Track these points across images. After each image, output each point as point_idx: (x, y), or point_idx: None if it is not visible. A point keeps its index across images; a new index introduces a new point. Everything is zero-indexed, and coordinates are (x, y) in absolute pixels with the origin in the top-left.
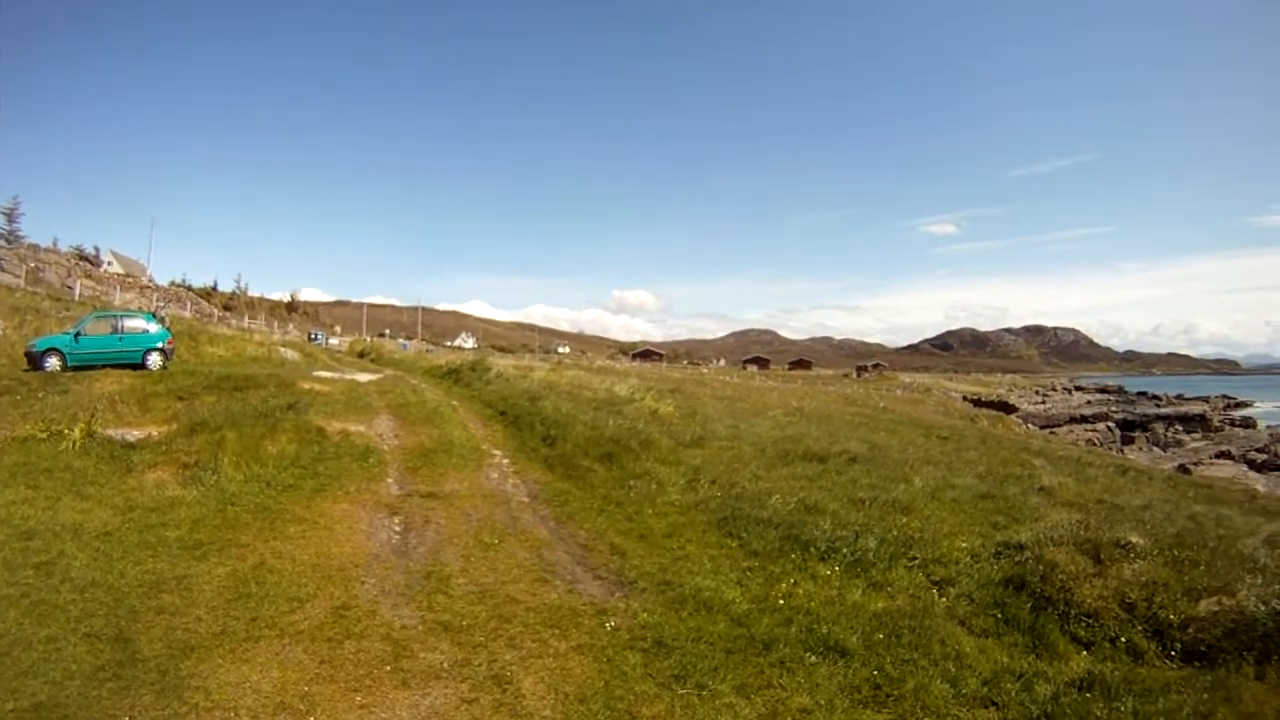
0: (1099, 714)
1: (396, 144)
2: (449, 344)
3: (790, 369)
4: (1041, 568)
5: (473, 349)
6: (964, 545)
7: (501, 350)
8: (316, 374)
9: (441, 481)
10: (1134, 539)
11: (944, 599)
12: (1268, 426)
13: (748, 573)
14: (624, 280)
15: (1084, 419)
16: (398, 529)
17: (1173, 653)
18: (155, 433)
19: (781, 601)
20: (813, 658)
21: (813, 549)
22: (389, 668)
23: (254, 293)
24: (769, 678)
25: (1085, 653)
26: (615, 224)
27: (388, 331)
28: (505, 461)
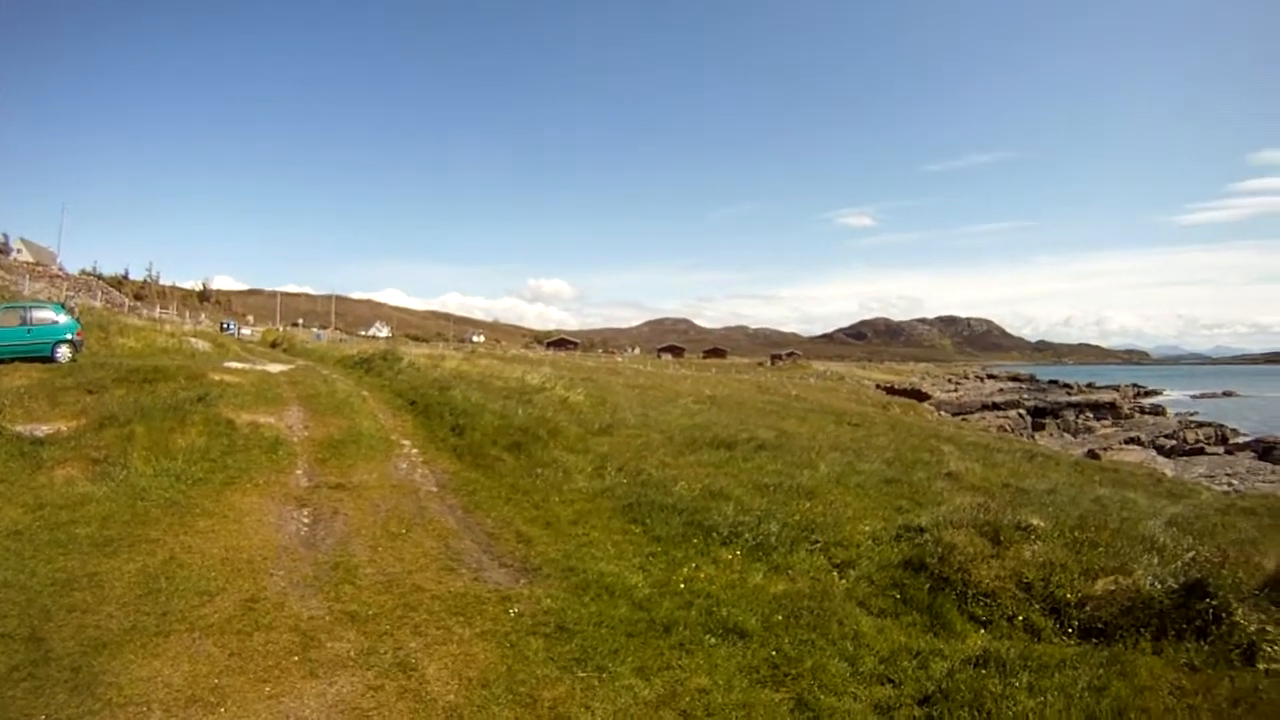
0: (994, 689)
1: (312, 131)
2: (363, 333)
3: (705, 357)
4: (940, 549)
5: (386, 338)
6: (866, 529)
7: (416, 339)
8: (228, 365)
9: (350, 473)
10: (1035, 521)
11: (844, 581)
12: (1176, 414)
13: (651, 558)
14: (540, 269)
15: (995, 406)
16: (306, 521)
17: (1070, 630)
18: (64, 428)
19: (683, 586)
20: (712, 639)
21: (715, 534)
22: (297, 658)
23: (166, 281)
24: (668, 659)
25: (983, 631)
26: (532, 212)
27: (301, 321)
28: (414, 452)
